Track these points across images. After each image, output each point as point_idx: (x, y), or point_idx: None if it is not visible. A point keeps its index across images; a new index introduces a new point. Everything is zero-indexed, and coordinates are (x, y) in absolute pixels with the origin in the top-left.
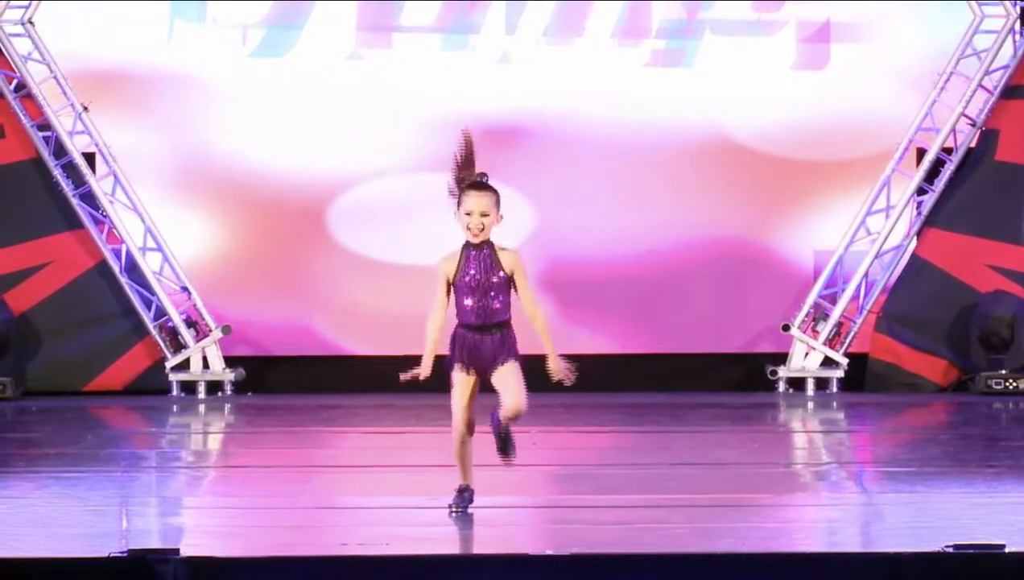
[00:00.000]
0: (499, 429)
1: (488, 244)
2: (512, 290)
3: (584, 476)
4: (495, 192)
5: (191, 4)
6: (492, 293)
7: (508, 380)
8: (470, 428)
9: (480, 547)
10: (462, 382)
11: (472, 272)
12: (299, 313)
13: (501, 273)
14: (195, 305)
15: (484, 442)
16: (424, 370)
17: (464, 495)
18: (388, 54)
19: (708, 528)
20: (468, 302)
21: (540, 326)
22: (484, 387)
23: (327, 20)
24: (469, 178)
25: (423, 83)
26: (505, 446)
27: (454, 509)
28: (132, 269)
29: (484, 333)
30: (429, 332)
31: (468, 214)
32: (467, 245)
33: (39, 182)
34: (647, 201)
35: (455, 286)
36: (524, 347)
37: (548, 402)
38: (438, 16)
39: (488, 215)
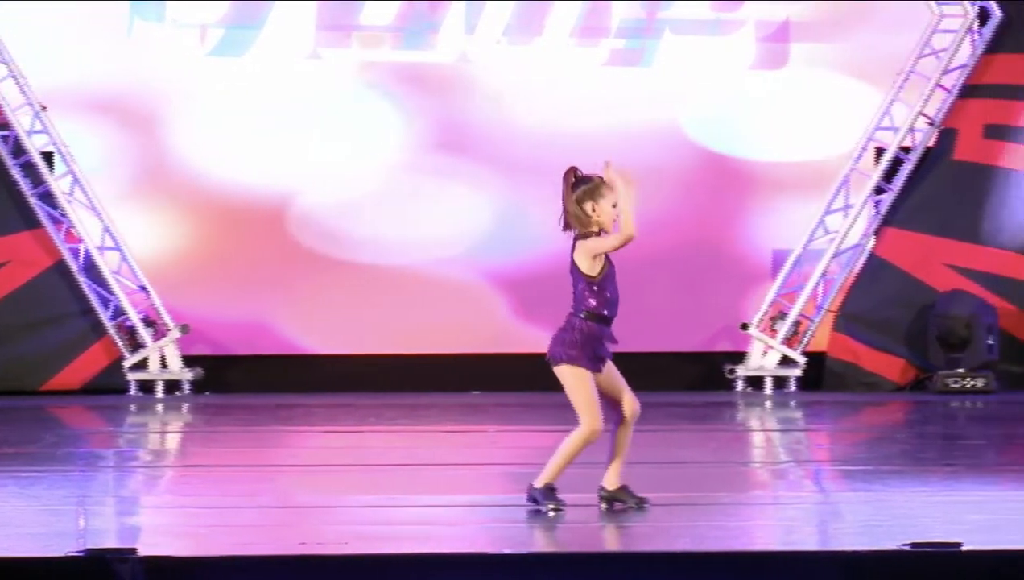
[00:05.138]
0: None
1: None
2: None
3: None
4: None
5: (150, 3)
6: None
7: (619, 377)
8: None
9: (427, 546)
10: (592, 380)
11: (611, 264)
12: (257, 312)
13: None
14: (153, 304)
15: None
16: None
17: (555, 493)
18: (347, 53)
19: (666, 527)
20: (609, 294)
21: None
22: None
23: (286, 19)
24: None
25: (382, 82)
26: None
27: (553, 508)
28: (90, 268)
29: (609, 325)
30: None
31: (615, 206)
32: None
33: None
34: None
35: (600, 277)
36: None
37: (508, 401)
38: (398, 15)
39: None
